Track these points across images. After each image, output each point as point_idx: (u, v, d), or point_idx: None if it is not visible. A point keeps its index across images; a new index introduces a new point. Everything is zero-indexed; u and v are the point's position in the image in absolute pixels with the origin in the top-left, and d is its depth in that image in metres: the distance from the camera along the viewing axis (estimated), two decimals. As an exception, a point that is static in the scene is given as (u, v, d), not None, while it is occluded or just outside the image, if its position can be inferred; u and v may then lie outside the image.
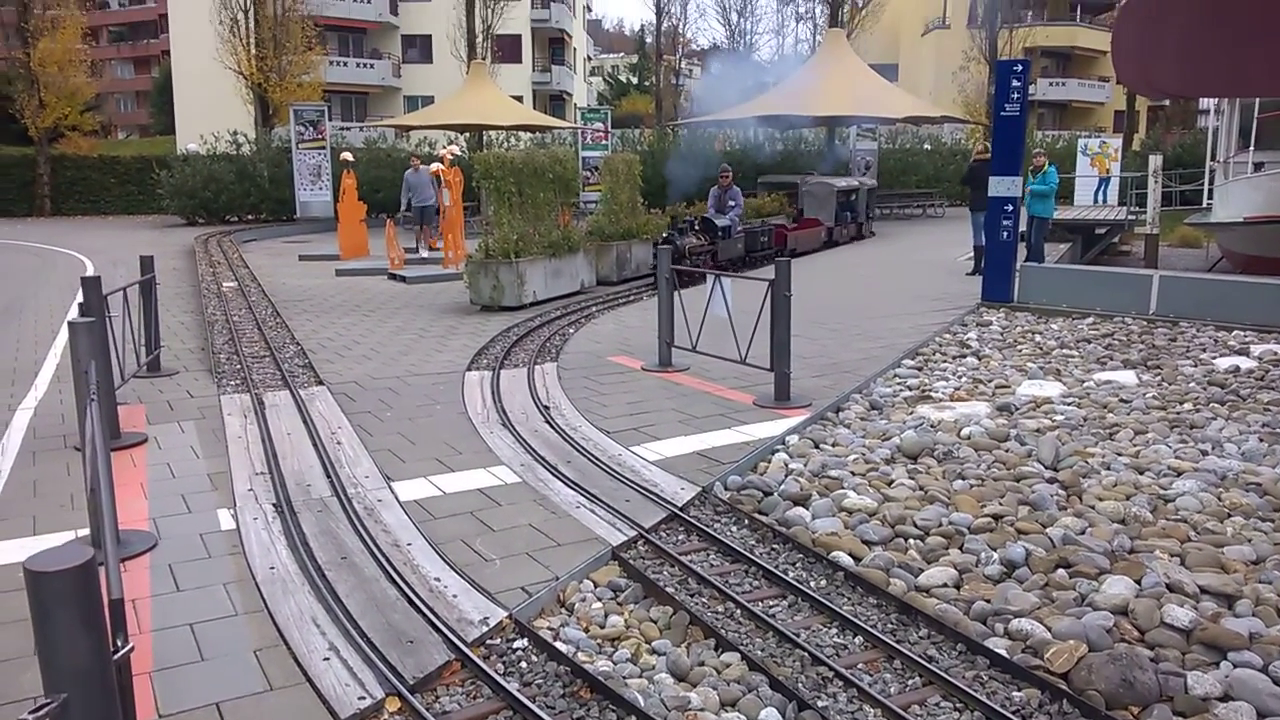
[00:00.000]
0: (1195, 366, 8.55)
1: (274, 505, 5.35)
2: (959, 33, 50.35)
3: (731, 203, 15.59)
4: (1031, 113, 44.69)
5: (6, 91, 35.54)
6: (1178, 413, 7.06)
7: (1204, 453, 6.10)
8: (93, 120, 39.27)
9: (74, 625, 2.32)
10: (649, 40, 59.85)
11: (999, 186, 11.71)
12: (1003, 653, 3.78)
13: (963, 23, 51.45)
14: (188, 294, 14.17)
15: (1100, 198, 28.00)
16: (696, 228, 14.83)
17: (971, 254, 15.32)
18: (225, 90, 34.80)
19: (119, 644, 2.54)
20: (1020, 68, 11.65)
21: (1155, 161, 21.12)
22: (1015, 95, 11.44)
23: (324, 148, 25.59)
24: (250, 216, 29.03)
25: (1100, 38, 50.22)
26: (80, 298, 6.86)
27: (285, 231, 25.84)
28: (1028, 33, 45.55)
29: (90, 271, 16.48)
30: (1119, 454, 6.10)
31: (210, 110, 37.87)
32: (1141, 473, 5.74)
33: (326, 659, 3.71)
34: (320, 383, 8.35)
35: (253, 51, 32.16)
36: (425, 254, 18.39)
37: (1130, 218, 23.59)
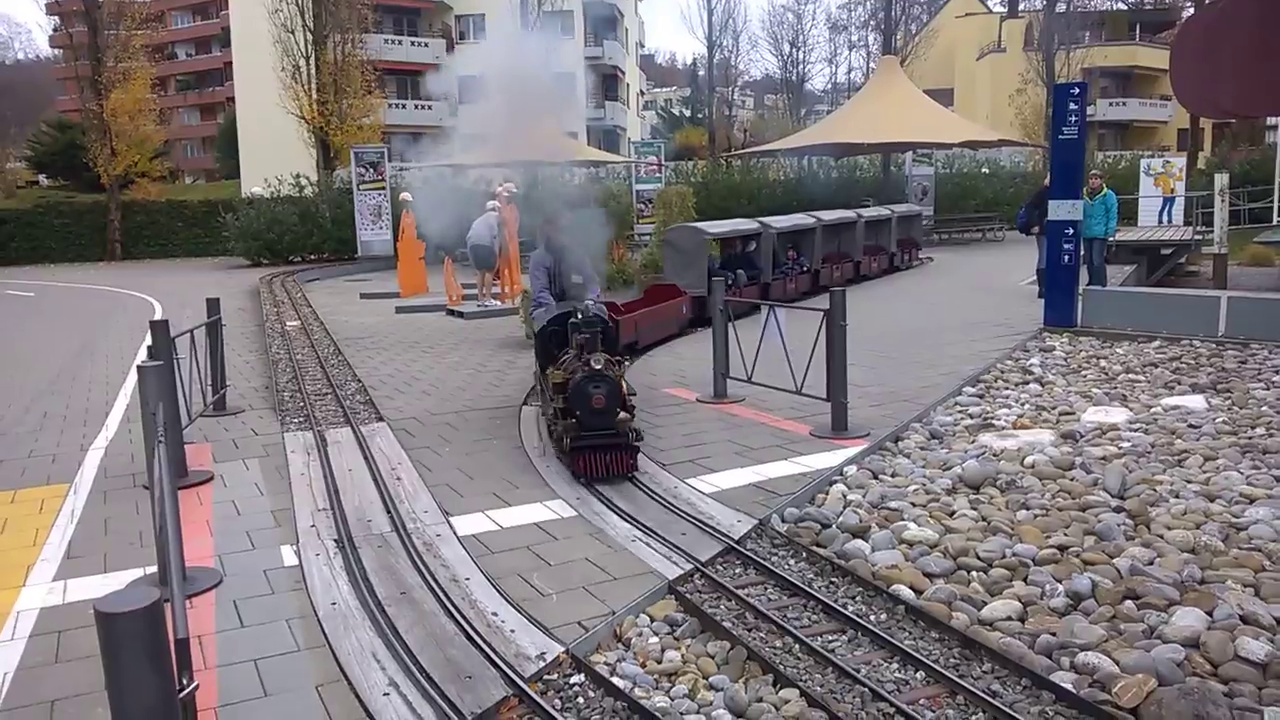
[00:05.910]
0: (1267, 389, 8.31)
1: (335, 541, 5.43)
2: (1015, 56, 49.95)
3: (577, 279, 8.52)
4: (1092, 134, 44.15)
5: (81, 141, 36.93)
6: (1249, 438, 6.87)
7: (1277, 479, 5.91)
8: (161, 166, 40.53)
9: (141, 665, 2.39)
10: (701, 73, 60.24)
11: (1059, 210, 11.57)
12: (1069, 687, 3.68)
13: (1019, 46, 51.04)
14: (253, 333, 14.49)
15: (1165, 218, 27.48)
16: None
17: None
18: (288, 134, 35.62)
19: (184, 682, 2.60)
20: (1077, 90, 11.52)
21: (1221, 179, 20.68)
22: (1073, 118, 11.32)
23: (384, 188, 26.08)
24: (313, 256, 29.64)
25: (1160, 56, 49.44)
26: (149, 340, 7.06)
27: (347, 270, 26.36)
28: (1086, 53, 45.02)
29: (159, 313, 16.96)
30: (1188, 481, 5.95)
31: (274, 154, 38.79)
32: (1212, 500, 5.59)
33: (386, 694, 3.74)
34: (381, 419, 8.47)
35: (314, 96, 32.91)
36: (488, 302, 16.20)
37: (1197, 238, 23.12)
